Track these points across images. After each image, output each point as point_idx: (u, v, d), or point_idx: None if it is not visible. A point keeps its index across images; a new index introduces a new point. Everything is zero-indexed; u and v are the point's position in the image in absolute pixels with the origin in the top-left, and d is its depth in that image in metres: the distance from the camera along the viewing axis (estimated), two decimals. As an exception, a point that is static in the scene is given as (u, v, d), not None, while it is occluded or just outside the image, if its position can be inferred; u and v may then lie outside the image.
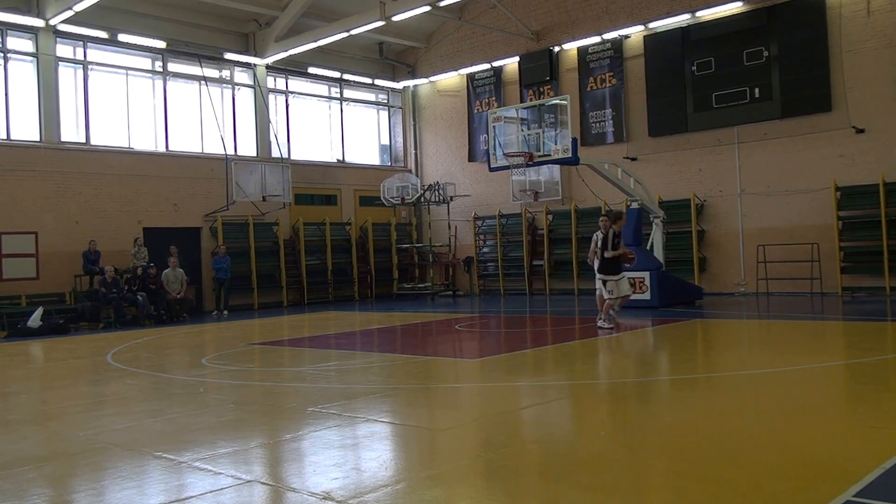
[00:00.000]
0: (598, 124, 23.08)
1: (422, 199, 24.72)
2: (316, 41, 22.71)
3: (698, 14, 20.88)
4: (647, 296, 16.70)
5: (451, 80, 26.58)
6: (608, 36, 22.65)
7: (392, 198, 24.81)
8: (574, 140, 16.83)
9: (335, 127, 26.45)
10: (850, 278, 18.84)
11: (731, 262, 20.54)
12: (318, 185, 25.35)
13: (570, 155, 16.59)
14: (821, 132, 19.25)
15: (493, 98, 25.08)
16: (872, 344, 10.82)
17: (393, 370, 10.05)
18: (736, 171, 20.66)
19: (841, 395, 7.56)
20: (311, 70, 25.17)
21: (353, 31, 22.08)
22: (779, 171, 19.95)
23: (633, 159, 21.96)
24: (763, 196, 20.14)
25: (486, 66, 25.26)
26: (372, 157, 27.78)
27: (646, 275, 16.80)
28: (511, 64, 24.81)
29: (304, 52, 23.38)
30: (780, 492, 4.26)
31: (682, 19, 21.16)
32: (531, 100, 23.67)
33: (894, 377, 8.10)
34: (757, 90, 20.02)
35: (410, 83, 27.55)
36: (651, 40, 21.97)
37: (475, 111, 25.68)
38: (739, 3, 20.21)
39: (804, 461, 4.87)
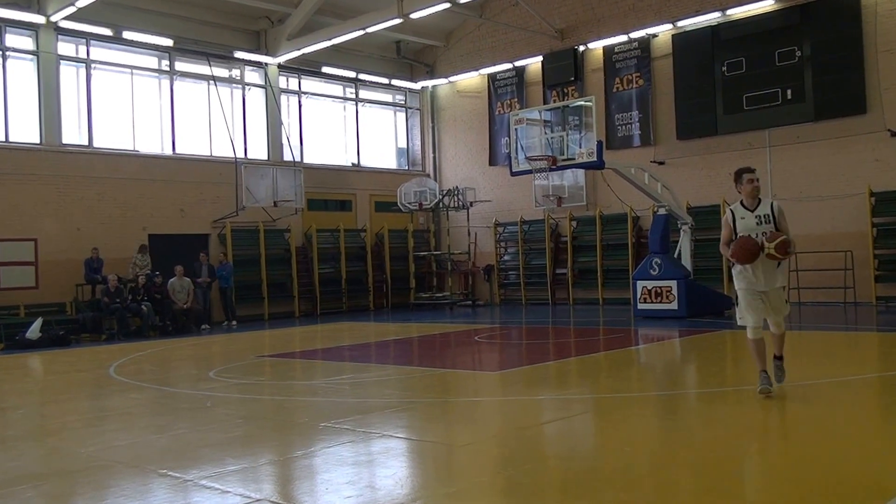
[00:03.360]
0: (624, 127, 23.05)
1: (440, 205, 24.76)
2: (330, 39, 22.81)
3: (729, 12, 20.83)
4: (674, 305, 16.69)
5: (472, 80, 26.64)
6: (635, 35, 22.62)
7: (409, 203, 24.86)
8: (599, 143, 16.84)
9: (350, 129, 26.52)
10: (884, 287, 18.70)
11: (763, 271, 20.38)
12: (332, 189, 25.43)
13: (594, 159, 16.60)
14: (855, 135, 19.14)
15: (516, 99, 25.10)
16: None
17: (409, 383, 10.09)
18: (767, 175, 20.55)
19: (875, 409, 7.54)
20: (326, 70, 25.26)
21: (370, 29, 22.18)
22: (811, 175, 19.85)
23: (661, 163, 21.91)
24: (795, 202, 19.99)
25: (507, 65, 25.30)
26: (388, 161, 27.85)
27: (673, 284, 16.78)
28: (534, 64, 24.83)
29: (318, 50, 23.45)
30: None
31: (712, 17, 21.10)
32: (555, 101, 23.66)
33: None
34: (789, 91, 19.94)
35: (429, 83, 27.63)
36: (679, 39, 21.93)
37: (496, 113, 25.72)
38: (772, 1, 20.15)
39: (836, 479, 4.87)
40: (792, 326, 15.43)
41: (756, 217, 7.41)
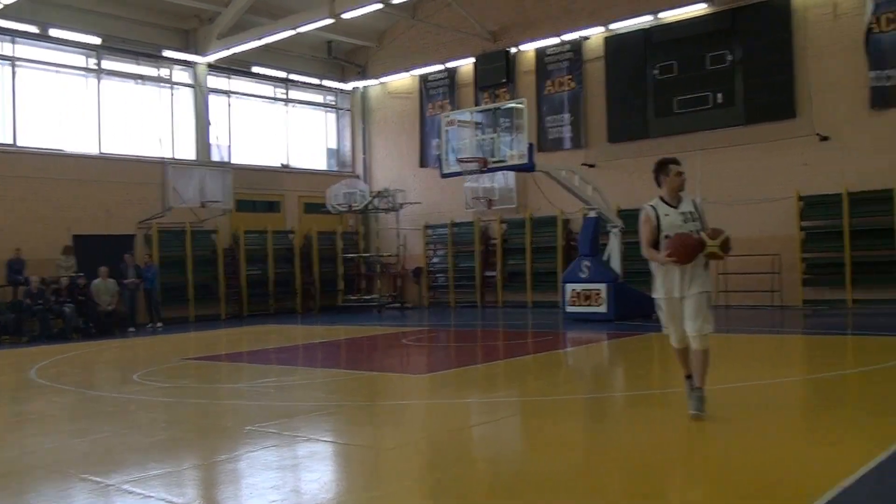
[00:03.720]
0: (555, 129, 23.27)
1: (370, 207, 24.65)
2: (260, 39, 22.57)
3: (661, 15, 21.19)
4: (603, 308, 16.89)
5: (403, 81, 26.61)
6: (567, 37, 22.87)
7: (338, 205, 24.65)
8: (530, 146, 16.97)
9: (280, 130, 26.29)
10: (811, 291, 19.23)
11: (691, 274, 20.80)
12: (261, 190, 25.13)
13: (525, 161, 16.72)
14: (785, 139, 19.63)
15: (447, 101, 25.14)
16: (832, 359, 11.13)
17: (336, 386, 10.00)
18: (697, 179, 20.96)
19: (800, 411, 7.73)
20: (255, 69, 24.99)
21: (301, 29, 22.02)
22: (741, 179, 20.31)
23: (592, 166, 22.18)
24: (725, 205, 20.42)
25: (439, 67, 25.34)
26: (318, 162, 27.63)
27: (602, 287, 16.99)
28: (466, 65, 24.92)
29: (248, 50, 23.17)
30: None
31: (644, 20, 21.43)
32: (486, 103, 23.74)
33: (853, 393, 8.30)
34: (720, 95, 20.38)
35: (360, 84, 27.51)
36: (612, 42, 22.24)
37: (427, 114, 25.73)
38: (704, 5, 20.56)
39: (763, 480, 4.96)
40: (720, 329, 15.80)
41: (681, 214, 6.77)
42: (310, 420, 7.62)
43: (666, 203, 6.85)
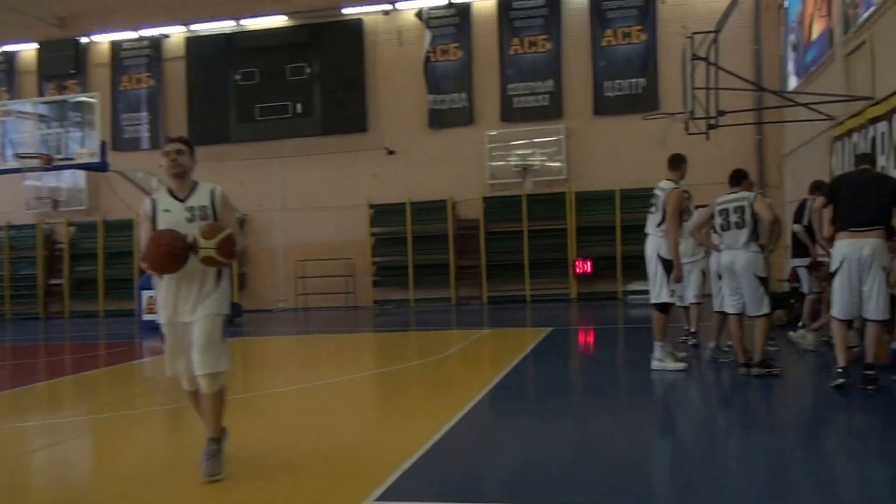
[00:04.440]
0: (132, 128, 22.14)
1: None
2: None
3: (243, 22, 21.21)
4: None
5: (-51, 61, 23.40)
6: (146, 33, 21.87)
7: None
8: (103, 143, 15.92)
9: None
10: (380, 292, 20.66)
11: (271, 278, 21.10)
12: None
13: (97, 160, 15.64)
14: (357, 151, 20.81)
15: (4, 88, 22.65)
16: (397, 353, 12.17)
17: None
18: (278, 185, 21.31)
19: (370, 402, 8.26)
20: None
21: None
22: (319, 187, 21.07)
23: (171, 168, 21.44)
24: (303, 211, 21.07)
25: (-5, 49, 22.72)
26: None
27: (182, 293, 16.45)
28: (28, 51, 22.67)
29: None
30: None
31: (226, 25, 21.27)
32: (53, 94, 21.86)
33: (415, 383, 8.96)
34: (299, 105, 20.95)
35: None
36: (194, 43, 21.74)
37: (-20, 101, 22.91)
38: (284, 17, 20.94)
39: (337, 470, 5.14)
40: (299, 331, 16.21)
41: (188, 209, 5.05)
42: None
43: (172, 195, 5.13)
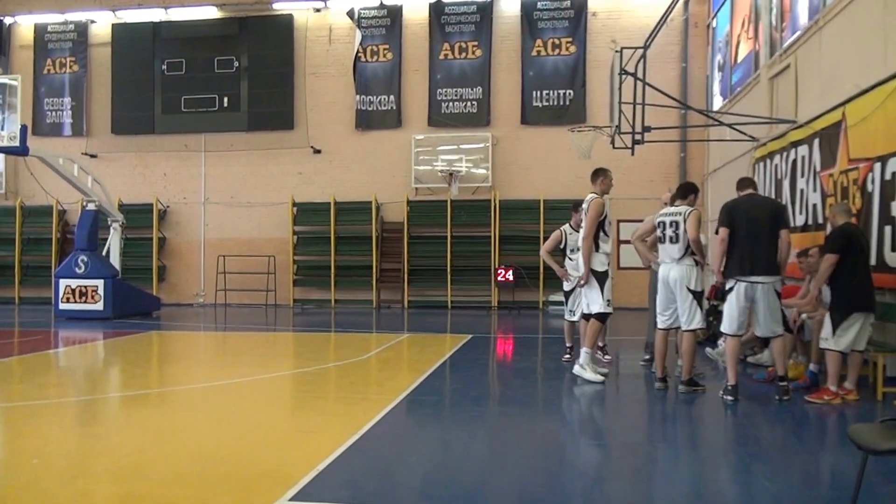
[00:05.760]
0: (54, 113, 21.69)
1: None
2: None
3: (170, 11, 20.98)
4: (99, 306, 16.21)
5: None
6: (72, 17, 21.47)
7: None
8: (24, 128, 15.59)
9: None
10: (301, 291, 20.66)
11: (191, 272, 20.91)
12: None
13: (17, 144, 15.32)
14: (283, 148, 20.79)
15: (-80, 65, 21.92)
16: (315, 353, 12.13)
17: None
18: (202, 178, 21.15)
19: (285, 403, 8.25)
20: None
21: None
22: (243, 182, 20.98)
23: (93, 156, 21.12)
24: (226, 206, 20.96)
25: (-88, 25, 21.98)
26: None
27: (100, 283, 16.28)
28: (-54, 28, 21.98)
29: None
30: (223, 506, 4.54)
31: (153, 14, 21.03)
32: (-29, 74, 21.24)
33: (331, 384, 9.10)
34: (226, 99, 20.82)
35: None
36: (120, 30, 21.40)
37: None
38: (214, 9, 20.80)
39: (248, 472, 5.21)
40: (218, 328, 16.18)
41: None
42: None
43: None
